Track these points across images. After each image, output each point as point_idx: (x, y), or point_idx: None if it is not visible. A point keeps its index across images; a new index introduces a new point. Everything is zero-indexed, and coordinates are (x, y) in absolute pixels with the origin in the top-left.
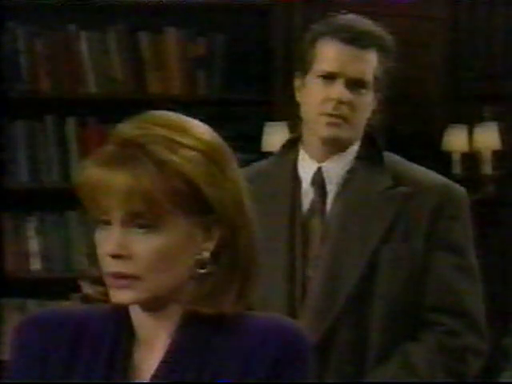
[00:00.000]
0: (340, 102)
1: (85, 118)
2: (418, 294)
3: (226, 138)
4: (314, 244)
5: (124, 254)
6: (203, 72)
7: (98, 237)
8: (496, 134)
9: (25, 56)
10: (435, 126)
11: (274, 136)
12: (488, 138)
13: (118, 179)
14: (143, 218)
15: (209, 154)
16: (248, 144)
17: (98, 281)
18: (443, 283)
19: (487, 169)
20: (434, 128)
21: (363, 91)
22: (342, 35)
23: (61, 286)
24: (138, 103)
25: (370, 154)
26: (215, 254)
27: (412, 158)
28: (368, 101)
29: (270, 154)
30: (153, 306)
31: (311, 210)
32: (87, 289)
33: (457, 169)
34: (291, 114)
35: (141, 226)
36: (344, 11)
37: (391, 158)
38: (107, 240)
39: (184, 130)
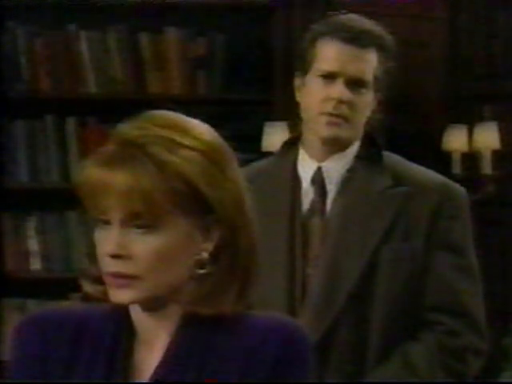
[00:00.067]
0: (340, 102)
1: (85, 118)
2: (418, 294)
3: (225, 138)
4: (314, 244)
5: (123, 254)
6: (203, 72)
7: (97, 236)
8: (496, 134)
9: (25, 56)
10: (435, 125)
11: (274, 136)
12: (488, 137)
13: (118, 179)
14: (142, 218)
15: (209, 155)
16: (248, 144)
17: (98, 280)
18: (443, 283)
19: (487, 169)
20: (434, 128)
21: (363, 91)
22: (342, 35)
23: (61, 285)
24: (138, 103)
25: (370, 153)
26: (215, 255)
27: (412, 158)
28: (368, 100)
29: (270, 153)
30: (152, 305)
31: (311, 209)
32: (87, 287)
33: (457, 169)
34: (291, 114)
35: (140, 227)
36: (344, 11)
37: (391, 157)
38: (107, 240)
39: (184, 131)
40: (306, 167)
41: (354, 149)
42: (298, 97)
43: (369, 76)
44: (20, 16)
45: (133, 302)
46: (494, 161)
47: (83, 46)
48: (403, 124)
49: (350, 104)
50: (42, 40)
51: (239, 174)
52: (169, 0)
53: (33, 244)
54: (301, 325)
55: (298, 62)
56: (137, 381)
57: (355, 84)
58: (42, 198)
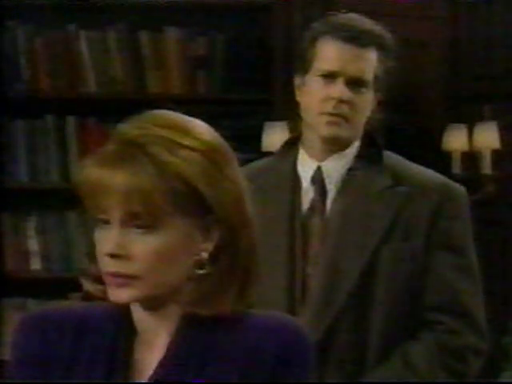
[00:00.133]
0: (340, 101)
1: (85, 118)
2: (418, 294)
3: (225, 138)
4: (314, 243)
5: (122, 254)
6: (203, 72)
7: (97, 236)
8: (496, 134)
9: (25, 56)
10: (435, 125)
11: (274, 136)
12: (488, 137)
13: (117, 179)
14: (142, 218)
15: (209, 155)
16: (248, 144)
17: (99, 279)
18: (443, 283)
19: (487, 169)
20: (434, 128)
21: (363, 90)
22: (343, 34)
23: (61, 285)
24: (137, 103)
25: (370, 153)
26: (214, 255)
27: (412, 158)
28: (368, 100)
29: (269, 153)
30: (152, 305)
31: (311, 209)
32: (88, 286)
33: (457, 169)
34: (291, 114)
35: (139, 227)
36: (344, 10)
37: (391, 157)
38: (106, 239)
39: (184, 131)
40: (306, 167)
41: (354, 148)
42: (298, 96)
43: (369, 75)
44: (20, 16)
45: (131, 301)
46: (494, 161)
47: (83, 46)
48: (403, 124)
49: (350, 104)
50: (42, 40)
51: (239, 174)
52: (169, 0)
53: (33, 244)
54: (301, 324)
55: (297, 62)
56: (137, 380)
57: (355, 83)
58: (42, 198)
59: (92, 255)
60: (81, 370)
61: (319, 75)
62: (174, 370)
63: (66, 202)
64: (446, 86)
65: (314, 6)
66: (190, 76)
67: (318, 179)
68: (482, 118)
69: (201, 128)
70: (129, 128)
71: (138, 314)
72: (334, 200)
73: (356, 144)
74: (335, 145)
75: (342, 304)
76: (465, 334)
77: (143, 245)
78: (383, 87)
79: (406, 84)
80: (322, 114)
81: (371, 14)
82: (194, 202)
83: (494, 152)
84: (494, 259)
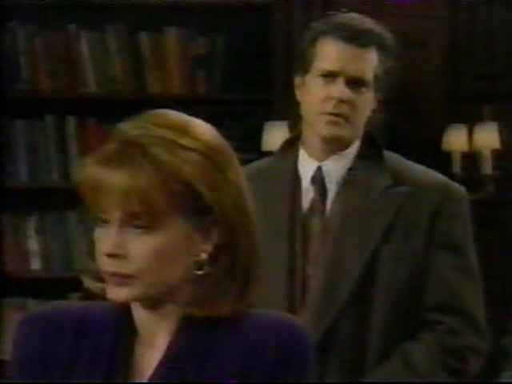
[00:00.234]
0: (340, 101)
1: (85, 118)
2: (418, 293)
3: (225, 138)
4: (314, 243)
5: (120, 254)
6: (203, 72)
7: (96, 235)
8: (496, 134)
9: (25, 56)
10: (435, 125)
11: (274, 136)
12: (488, 137)
13: (116, 179)
14: (141, 218)
15: (209, 155)
16: (248, 144)
17: (99, 277)
18: (443, 282)
19: (487, 169)
20: (434, 128)
21: (363, 90)
22: (343, 34)
23: (61, 285)
24: (137, 103)
25: (370, 153)
26: (214, 256)
27: (412, 158)
28: (368, 100)
29: (269, 153)
30: (151, 304)
31: (311, 208)
32: (88, 284)
33: (457, 169)
34: (291, 114)
35: (138, 227)
36: (344, 10)
37: (391, 157)
38: (105, 239)
39: (184, 131)
40: (306, 167)
41: (354, 148)
42: (298, 96)
43: (369, 75)
44: (20, 16)
45: (130, 300)
46: (494, 161)
47: (83, 46)
48: (403, 124)
49: (351, 103)
50: (42, 40)
51: (240, 174)
52: (169, 0)
53: (33, 244)
54: (301, 323)
55: (297, 62)
56: (137, 380)
57: (355, 83)
58: (42, 197)
59: (92, 254)
60: (81, 370)
61: (319, 75)
62: (173, 369)
63: (66, 201)
64: (446, 86)
65: (314, 6)
66: (190, 76)
67: (318, 179)
68: (482, 118)
69: (202, 128)
70: (129, 128)
71: (138, 313)
72: (334, 200)
73: (356, 144)
74: (335, 145)
75: (342, 304)
76: (465, 334)
77: (142, 245)
78: (383, 87)
79: (405, 84)
80: (322, 113)
81: (371, 14)
82: (193, 203)
83: (494, 152)
84: (493, 259)
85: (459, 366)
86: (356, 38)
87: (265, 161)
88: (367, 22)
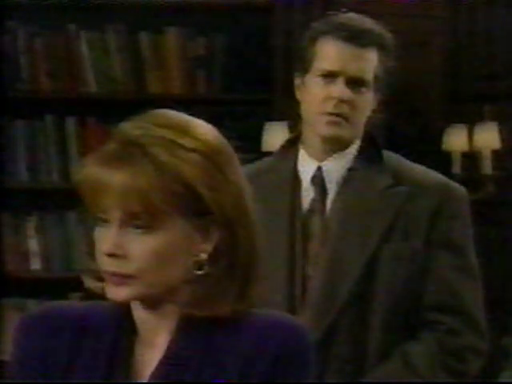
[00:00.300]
0: (341, 101)
1: (85, 118)
2: (418, 294)
3: (225, 138)
4: (314, 243)
5: (119, 254)
6: (203, 72)
7: (96, 234)
8: (496, 134)
9: (25, 56)
10: (435, 125)
11: (274, 136)
12: (488, 137)
13: (116, 178)
14: (140, 218)
15: (209, 156)
16: (248, 144)
17: (99, 276)
18: (443, 282)
19: (487, 169)
20: (434, 128)
21: (363, 90)
22: (343, 34)
23: (61, 285)
24: (138, 103)
25: (370, 153)
26: (213, 256)
27: (412, 158)
28: (368, 99)
29: (269, 154)
30: (151, 304)
31: (311, 208)
32: (88, 283)
33: (457, 169)
34: (291, 114)
35: (138, 227)
36: (344, 10)
37: (391, 157)
38: (105, 238)
39: (185, 131)
40: (306, 166)
41: (354, 148)
42: (298, 96)
43: (369, 75)
44: (20, 16)
45: (129, 300)
46: (494, 161)
47: (83, 46)
48: (403, 124)
49: (351, 103)
50: (42, 40)
51: (241, 174)
52: (169, 0)
53: (33, 244)
54: (302, 323)
55: (298, 62)
56: (137, 380)
57: (355, 83)
58: (42, 197)
59: (92, 253)
60: (81, 370)
61: (319, 75)
62: (173, 369)
63: (66, 201)
64: (446, 85)
65: (314, 6)
66: (190, 76)
67: (318, 179)
68: (482, 118)
69: (202, 128)
70: (129, 127)
71: (138, 312)
72: (334, 200)
73: (356, 144)
74: (335, 145)
75: (342, 304)
76: (465, 334)
77: (141, 245)
78: (383, 87)
79: (405, 84)
80: (322, 113)
81: (371, 14)
82: (193, 203)
83: (494, 152)
84: (493, 259)
85: (459, 366)
86: (356, 37)
87: (265, 161)
88: (367, 22)
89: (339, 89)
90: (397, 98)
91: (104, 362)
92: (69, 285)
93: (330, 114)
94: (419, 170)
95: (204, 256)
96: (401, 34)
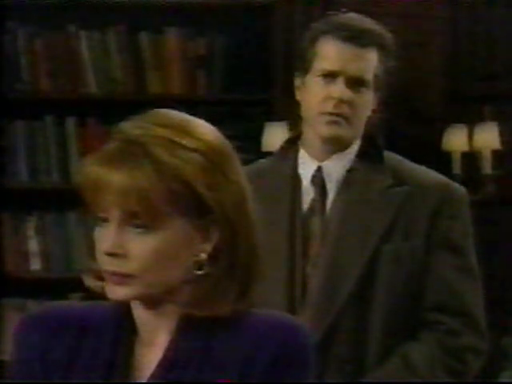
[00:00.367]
0: (341, 101)
1: (85, 118)
2: (418, 293)
3: (225, 138)
4: (314, 243)
5: (119, 253)
6: (203, 72)
7: (96, 234)
8: (496, 134)
9: (25, 56)
10: (435, 125)
11: (274, 136)
12: (488, 137)
13: (116, 178)
14: (140, 217)
15: (209, 156)
16: (248, 144)
17: (99, 276)
18: (443, 282)
19: (487, 169)
20: (434, 128)
21: (364, 90)
22: (343, 34)
23: (61, 285)
24: (138, 103)
25: (371, 153)
26: (213, 256)
27: (412, 158)
28: (368, 99)
29: (269, 154)
30: (151, 304)
31: (311, 209)
32: (89, 282)
33: (457, 169)
34: (291, 114)
35: (138, 226)
36: (344, 10)
37: (391, 157)
38: (104, 238)
39: (186, 131)
40: (306, 166)
41: (354, 148)
42: (298, 96)
43: (369, 75)
44: (20, 16)
45: (128, 299)
46: (494, 161)
47: (83, 46)
48: (403, 124)
49: (351, 103)
50: (42, 40)
51: (241, 174)
52: (169, 0)
53: (33, 244)
54: (302, 323)
55: (298, 62)
56: (137, 380)
57: (356, 83)
58: (42, 198)
59: (93, 253)
60: (81, 370)
61: (319, 75)
62: (173, 369)
63: (66, 202)
64: (446, 86)
65: (313, 6)
66: (190, 76)
67: (319, 179)
68: (482, 119)
69: (203, 128)
70: (130, 127)
71: (138, 312)
72: (334, 200)
73: (356, 144)
74: (335, 145)
75: (342, 304)
76: (465, 334)
77: (141, 244)
78: (383, 87)
79: (405, 84)
80: (323, 113)
81: (371, 14)
82: (193, 203)
83: (494, 152)
84: (493, 259)
85: (459, 366)
86: (356, 37)
87: (265, 161)
88: (367, 22)
89: (339, 89)
90: (397, 98)
91: (104, 362)
92: (69, 285)
93: (330, 114)
94: (419, 170)
95: (204, 256)
96: (401, 34)
